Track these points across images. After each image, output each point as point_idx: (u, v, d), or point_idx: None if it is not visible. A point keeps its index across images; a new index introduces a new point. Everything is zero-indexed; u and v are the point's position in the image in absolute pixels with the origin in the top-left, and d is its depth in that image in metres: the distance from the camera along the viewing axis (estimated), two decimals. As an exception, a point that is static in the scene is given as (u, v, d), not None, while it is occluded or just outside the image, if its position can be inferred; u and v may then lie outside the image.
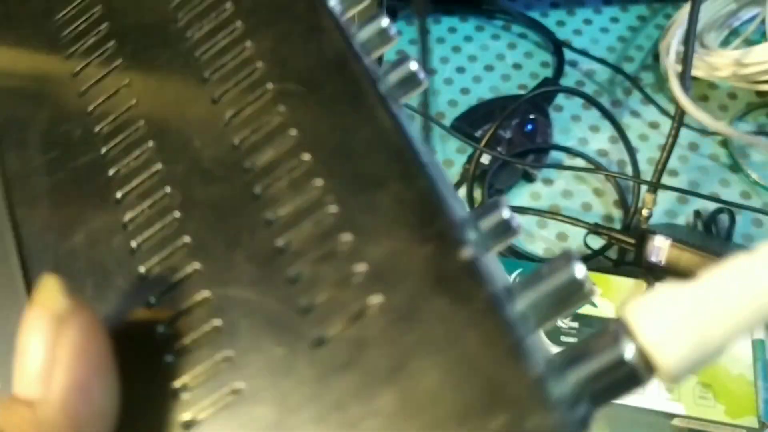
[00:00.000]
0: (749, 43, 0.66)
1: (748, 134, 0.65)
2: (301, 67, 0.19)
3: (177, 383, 0.17)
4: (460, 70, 0.72)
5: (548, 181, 0.64)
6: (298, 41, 0.19)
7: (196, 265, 0.18)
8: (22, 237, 0.20)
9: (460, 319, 0.15)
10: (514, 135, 0.64)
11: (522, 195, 0.64)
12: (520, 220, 0.64)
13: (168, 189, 0.19)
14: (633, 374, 0.15)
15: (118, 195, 0.20)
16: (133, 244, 0.19)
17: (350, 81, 0.18)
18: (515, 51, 0.74)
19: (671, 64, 0.64)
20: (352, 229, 0.16)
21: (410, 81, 0.19)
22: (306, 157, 0.18)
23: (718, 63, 0.64)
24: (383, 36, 0.19)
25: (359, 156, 0.17)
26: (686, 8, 0.63)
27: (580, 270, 0.16)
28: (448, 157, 0.66)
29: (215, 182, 0.19)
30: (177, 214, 0.19)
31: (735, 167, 0.64)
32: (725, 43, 0.69)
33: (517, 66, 0.73)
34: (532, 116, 0.65)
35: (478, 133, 0.64)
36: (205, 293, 0.17)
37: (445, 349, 0.14)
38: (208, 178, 0.19)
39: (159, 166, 0.20)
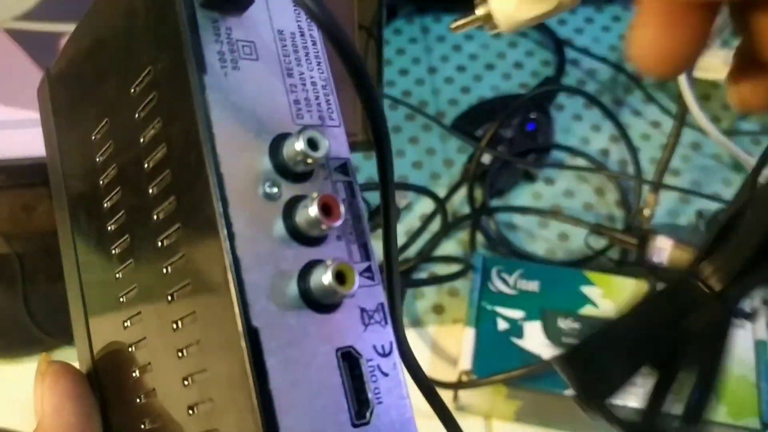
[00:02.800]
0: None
1: (749, 135, 0.65)
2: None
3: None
4: (461, 68, 0.72)
5: (549, 181, 0.64)
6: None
7: None
8: None
9: None
10: (515, 134, 0.64)
11: (523, 195, 0.63)
12: (521, 220, 0.64)
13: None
14: None
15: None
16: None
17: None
18: (516, 50, 0.74)
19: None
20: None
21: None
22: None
23: (719, 63, 0.64)
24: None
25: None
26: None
27: None
28: (449, 157, 0.65)
29: None
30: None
31: (737, 167, 0.64)
32: (725, 44, 0.68)
33: (518, 65, 0.72)
34: (533, 115, 0.65)
35: (479, 133, 0.64)
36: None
37: None
38: None
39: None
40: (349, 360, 0.19)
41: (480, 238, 0.61)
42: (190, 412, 0.20)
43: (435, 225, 0.61)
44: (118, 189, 0.23)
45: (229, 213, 0.18)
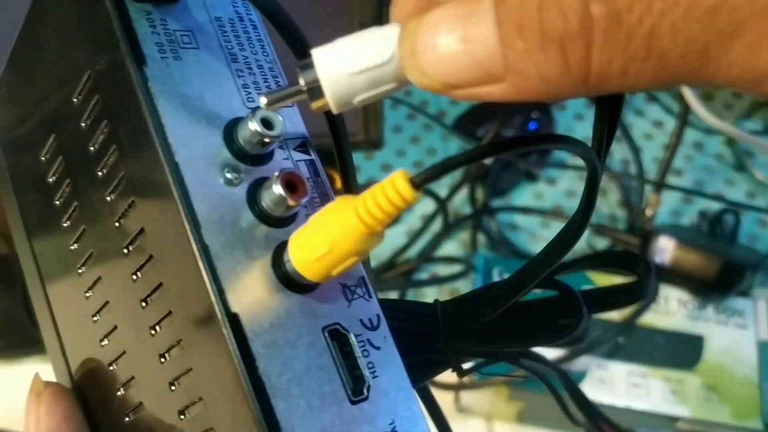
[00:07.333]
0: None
1: (752, 134, 0.64)
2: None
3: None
4: (462, 68, 0.72)
5: (551, 181, 0.64)
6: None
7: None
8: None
9: None
10: (516, 134, 0.63)
11: (524, 195, 0.63)
12: (522, 220, 0.63)
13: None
14: None
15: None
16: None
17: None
18: (518, 49, 0.73)
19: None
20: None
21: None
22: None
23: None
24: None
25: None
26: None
27: None
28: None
29: None
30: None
31: (740, 167, 0.64)
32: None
33: (519, 64, 0.72)
34: (534, 115, 0.65)
35: (480, 132, 0.64)
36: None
37: None
38: None
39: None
40: (338, 337, 0.18)
41: (481, 238, 0.60)
42: (182, 416, 0.19)
43: (436, 225, 0.61)
44: (75, 205, 0.22)
45: (191, 202, 0.17)
